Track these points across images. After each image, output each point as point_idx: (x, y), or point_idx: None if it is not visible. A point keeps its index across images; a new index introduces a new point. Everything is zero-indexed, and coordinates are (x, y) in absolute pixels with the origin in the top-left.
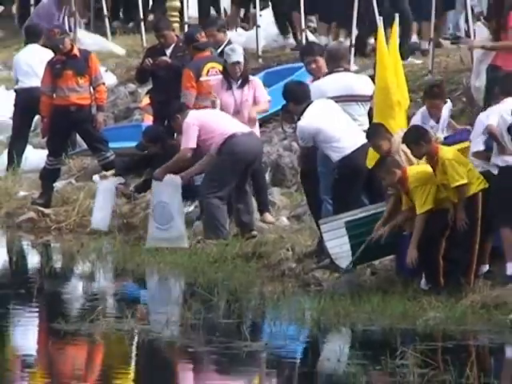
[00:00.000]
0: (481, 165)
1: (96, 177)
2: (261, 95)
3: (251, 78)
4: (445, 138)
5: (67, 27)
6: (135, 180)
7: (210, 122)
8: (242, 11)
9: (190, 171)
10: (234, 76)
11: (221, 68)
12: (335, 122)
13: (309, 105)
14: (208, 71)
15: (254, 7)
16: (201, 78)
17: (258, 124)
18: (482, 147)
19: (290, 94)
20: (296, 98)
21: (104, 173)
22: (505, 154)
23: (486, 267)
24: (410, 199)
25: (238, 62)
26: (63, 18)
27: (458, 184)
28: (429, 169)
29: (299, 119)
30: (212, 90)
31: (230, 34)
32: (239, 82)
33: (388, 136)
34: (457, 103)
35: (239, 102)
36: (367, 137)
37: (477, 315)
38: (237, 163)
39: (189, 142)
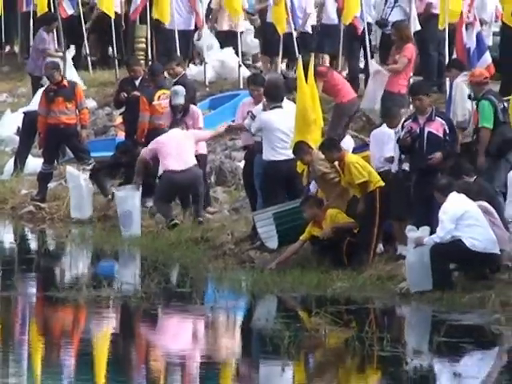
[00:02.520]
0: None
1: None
2: (195, 123)
3: (191, 109)
4: (354, 149)
5: (53, 48)
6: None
7: (163, 151)
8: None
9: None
10: (176, 112)
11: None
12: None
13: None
14: (159, 97)
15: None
16: (153, 103)
17: (204, 143)
18: (392, 153)
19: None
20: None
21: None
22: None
23: (382, 248)
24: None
25: (180, 104)
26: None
27: (360, 181)
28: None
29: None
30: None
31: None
32: (181, 114)
33: (309, 150)
34: (358, 121)
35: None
36: (293, 153)
37: (374, 285)
38: (170, 190)
39: (146, 152)
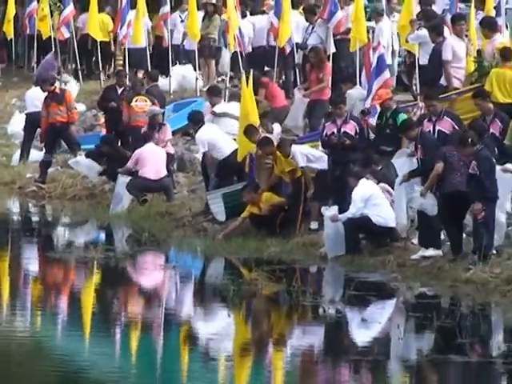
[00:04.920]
0: None
1: (72, 161)
2: (165, 136)
3: (165, 126)
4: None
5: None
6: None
7: (142, 162)
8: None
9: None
10: (154, 124)
11: (145, 98)
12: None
13: (201, 125)
14: (136, 100)
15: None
16: (131, 104)
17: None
18: None
19: (191, 117)
20: (193, 120)
21: (77, 158)
22: None
23: (316, 224)
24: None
25: (158, 121)
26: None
27: (289, 169)
28: None
29: (196, 132)
30: None
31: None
32: (157, 127)
33: (256, 132)
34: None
35: (159, 138)
36: (244, 134)
37: (300, 250)
38: (143, 190)
39: (130, 164)
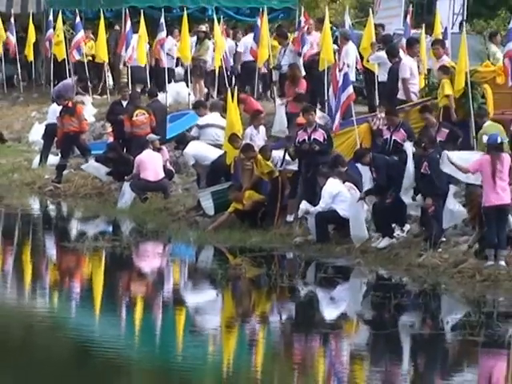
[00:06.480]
0: None
1: (84, 165)
2: (164, 156)
3: (163, 149)
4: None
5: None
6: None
7: (143, 166)
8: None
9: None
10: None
11: (144, 112)
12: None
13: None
14: (137, 114)
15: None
16: (133, 118)
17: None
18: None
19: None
20: (178, 141)
21: (89, 163)
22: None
23: (292, 217)
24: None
25: (154, 141)
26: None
27: (268, 170)
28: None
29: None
30: None
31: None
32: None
33: (238, 140)
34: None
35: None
36: (228, 141)
37: (278, 239)
38: (144, 190)
39: (135, 169)
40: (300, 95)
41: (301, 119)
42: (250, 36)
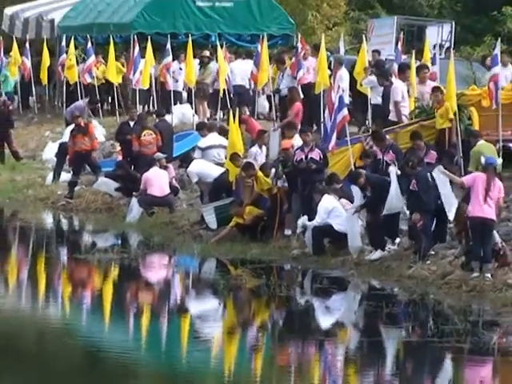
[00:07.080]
0: None
1: (95, 184)
2: (170, 174)
3: (170, 167)
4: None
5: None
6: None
7: (151, 180)
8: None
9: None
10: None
11: (151, 132)
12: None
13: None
14: (144, 134)
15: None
16: (141, 138)
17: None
18: None
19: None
20: (183, 161)
21: (99, 180)
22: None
23: (290, 231)
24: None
25: (161, 159)
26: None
27: (267, 187)
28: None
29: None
30: None
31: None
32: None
33: (239, 159)
34: None
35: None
36: (230, 160)
37: (276, 252)
38: (151, 205)
39: (142, 185)
40: (290, 123)
41: (286, 143)
42: (239, 62)
